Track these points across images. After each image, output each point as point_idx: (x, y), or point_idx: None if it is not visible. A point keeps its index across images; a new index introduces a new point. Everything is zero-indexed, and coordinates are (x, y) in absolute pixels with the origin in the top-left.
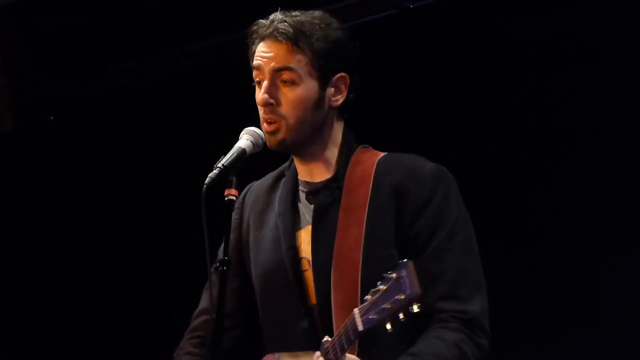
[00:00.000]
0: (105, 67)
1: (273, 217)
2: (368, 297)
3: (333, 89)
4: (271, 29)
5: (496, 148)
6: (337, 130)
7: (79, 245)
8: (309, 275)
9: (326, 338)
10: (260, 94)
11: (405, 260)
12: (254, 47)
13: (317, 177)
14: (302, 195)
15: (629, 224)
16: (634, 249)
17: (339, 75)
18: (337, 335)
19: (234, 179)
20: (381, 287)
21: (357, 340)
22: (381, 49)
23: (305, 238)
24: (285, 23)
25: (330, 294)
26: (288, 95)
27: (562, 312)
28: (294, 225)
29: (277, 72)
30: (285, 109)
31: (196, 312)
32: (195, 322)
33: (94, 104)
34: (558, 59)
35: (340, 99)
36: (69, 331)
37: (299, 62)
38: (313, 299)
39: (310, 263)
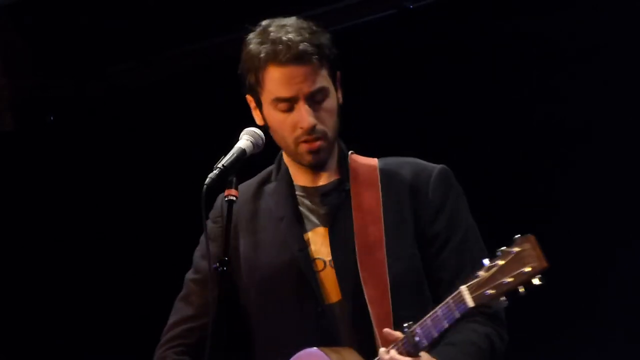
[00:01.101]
0: (105, 67)
1: (271, 222)
2: (481, 273)
3: (338, 89)
4: (293, 52)
5: (496, 148)
6: None
7: (79, 245)
8: (326, 274)
9: (408, 323)
10: (304, 120)
11: (527, 234)
12: (261, 71)
13: (318, 181)
14: (303, 200)
15: (629, 223)
16: (634, 249)
17: (338, 74)
18: (429, 318)
19: (234, 179)
20: (498, 262)
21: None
22: (381, 49)
23: (314, 239)
24: (304, 43)
25: (361, 291)
26: (323, 111)
27: (562, 312)
28: (301, 228)
29: (311, 94)
30: (324, 125)
31: (171, 322)
32: (175, 331)
33: (94, 104)
34: (558, 59)
35: (341, 96)
36: (69, 331)
37: (324, 76)
38: (334, 297)
39: (327, 262)
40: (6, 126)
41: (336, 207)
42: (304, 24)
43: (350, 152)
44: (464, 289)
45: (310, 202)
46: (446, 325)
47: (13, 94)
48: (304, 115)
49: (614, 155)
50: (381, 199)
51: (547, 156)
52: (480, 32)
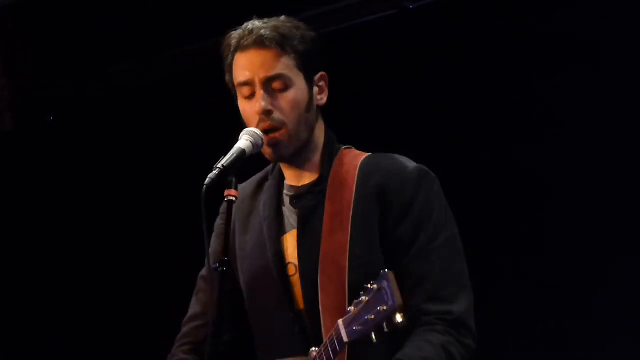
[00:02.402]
0: (105, 67)
1: (258, 221)
2: (351, 308)
3: (317, 89)
4: (254, 37)
5: (496, 148)
6: (321, 131)
7: (79, 245)
8: (296, 280)
9: (313, 348)
10: (257, 104)
11: (385, 270)
12: (231, 59)
13: (302, 180)
14: (287, 199)
15: (630, 223)
16: (635, 249)
17: (320, 74)
18: (323, 345)
19: (234, 179)
20: (363, 298)
21: (345, 349)
22: (381, 49)
23: (291, 242)
24: (266, 30)
25: (317, 299)
26: (283, 100)
27: (562, 312)
28: (279, 229)
29: (269, 80)
30: (282, 114)
31: (186, 318)
32: (185, 329)
33: (94, 104)
34: (558, 59)
35: (324, 98)
36: (69, 331)
37: (287, 66)
38: (301, 304)
39: (297, 268)
40: (6, 126)
41: (309, 210)
42: (287, 20)
43: (345, 147)
44: (340, 322)
45: (291, 202)
46: (332, 356)
47: (13, 94)
48: (258, 100)
49: (615, 155)
50: (353, 202)
51: (547, 156)
52: (480, 32)
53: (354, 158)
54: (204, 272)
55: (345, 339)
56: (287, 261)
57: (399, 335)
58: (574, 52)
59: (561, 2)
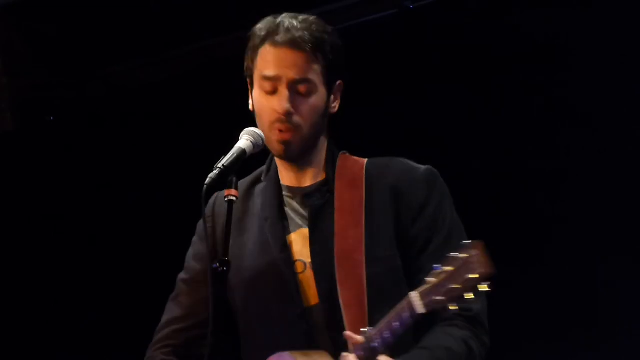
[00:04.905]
0: (105, 67)
1: (256, 222)
2: (430, 279)
3: (333, 97)
4: (290, 36)
5: (495, 148)
6: (325, 136)
7: (79, 245)
8: (306, 277)
9: (366, 329)
10: (281, 103)
11: (473, 240)
12: (258, 47)
13: (304, 181)
14: (289, 200)
15: (630, 224)
16: (635, 249)
17: (338, 82)
18: (384, 322)
19: (234, 179)
20: (447, 268)
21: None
22: (381, 49)
23: (297, 241)
24: (305, 32)
25: (336, 294)
26: (304, 105)
27: (563, 313)
28: (284, 229)
29: (296, 82)
30: (300, 118)
31: (163, 322)
32: (163, 332)
33: (94, 104)
34: (558, 59)
35: (337, 106)
36: (69, 331)
37: (315, 71)
38: (312, 300)
39: (307, 265)
40: (6, 126)
41: (318, 209)
42: (318, 22)
43: (342, 152)
44: (414, 294)
45: (295, 202)
46: (401, 330)
47: (13, 94)
48: (282, 99)
49: (615, 155)
50: (364, 201)
51: (547, 156)
52: (480, 32)
53: (356, 161)
54: (183, 275)
55: (421, 310)
56: (295, 259)
57: (415, 329)
58: (574, 52)
59: (560, 2)
